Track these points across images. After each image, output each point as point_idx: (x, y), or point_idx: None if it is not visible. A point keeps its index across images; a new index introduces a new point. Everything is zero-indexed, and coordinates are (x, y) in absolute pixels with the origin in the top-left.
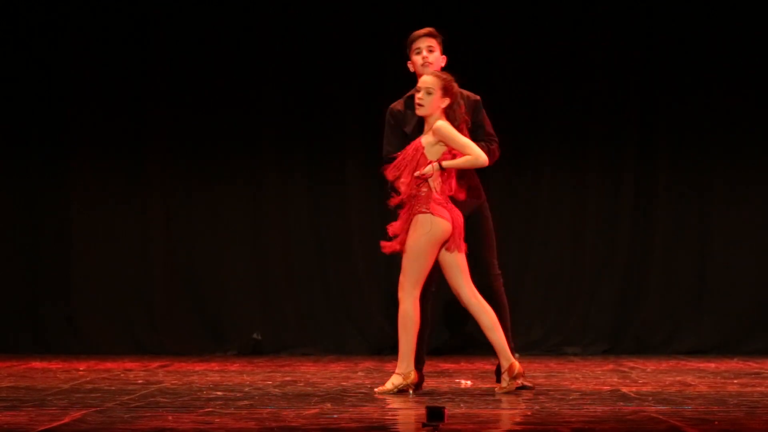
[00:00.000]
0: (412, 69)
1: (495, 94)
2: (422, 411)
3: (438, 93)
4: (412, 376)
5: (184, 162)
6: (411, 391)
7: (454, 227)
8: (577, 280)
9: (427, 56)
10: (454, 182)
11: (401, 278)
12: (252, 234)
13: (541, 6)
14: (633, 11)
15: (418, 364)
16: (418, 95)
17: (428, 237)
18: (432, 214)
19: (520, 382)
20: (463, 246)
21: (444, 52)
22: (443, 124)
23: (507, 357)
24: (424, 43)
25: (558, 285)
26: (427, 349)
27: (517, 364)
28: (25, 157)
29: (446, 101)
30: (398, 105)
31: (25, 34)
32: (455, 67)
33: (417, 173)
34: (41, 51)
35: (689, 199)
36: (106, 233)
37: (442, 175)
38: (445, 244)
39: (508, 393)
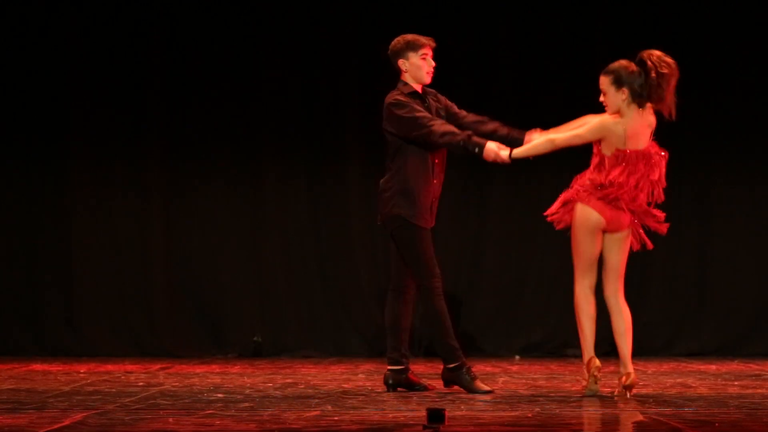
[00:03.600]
0: (405, 69)
1: (495, 97)
2: (423, 413)
3: (612, 89)
4: (595, 362)
5: (184, 164)
6: (597, 375)
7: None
8: None
9: (433, 66)
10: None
11: None
12: (252, 236)
13: (542, 7)
14: (633, 15)
15: (403, 361)
16: (602, 98)
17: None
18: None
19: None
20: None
21: (443, 53)
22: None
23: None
24: (431, 52)
25: (559, 287)
26: (408, 348)
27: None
28: (24, 159)
29: (624, 92)
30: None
31: (25, 35)
32: (455, 68)
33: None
34: (40, 53)
35: (689, 201)
36: (107, 235)
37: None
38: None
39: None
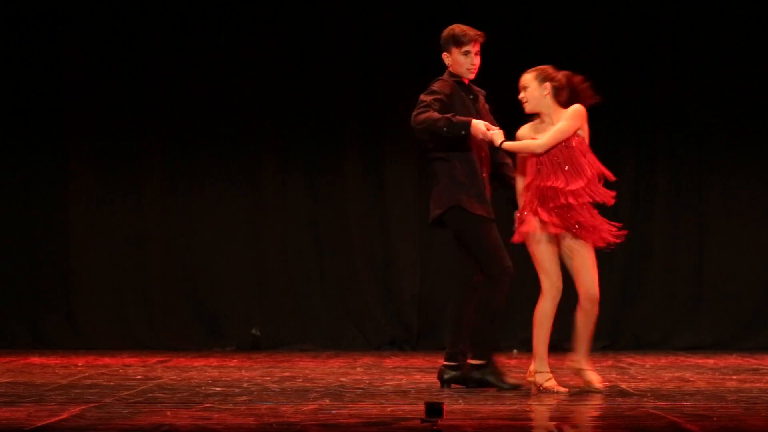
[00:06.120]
0: (447, 63)
1: (494, 95)
2: (421, 407)
3: (534, 84)
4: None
5: (183, 159)
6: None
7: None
8: None
9: (477, 63)
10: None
11: None
12: (250, 230)
13: (541, 5)
14: (633, 13)
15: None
16: (520, 96)
17: None
18: None
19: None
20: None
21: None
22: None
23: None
24: (475, 48)
25: None
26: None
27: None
28: (23, 154)
29: (546, 87)
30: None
31: (25, 33)
32: None
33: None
34: (41, 50)
35: (688, 197)
36: (105, 229)
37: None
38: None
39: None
